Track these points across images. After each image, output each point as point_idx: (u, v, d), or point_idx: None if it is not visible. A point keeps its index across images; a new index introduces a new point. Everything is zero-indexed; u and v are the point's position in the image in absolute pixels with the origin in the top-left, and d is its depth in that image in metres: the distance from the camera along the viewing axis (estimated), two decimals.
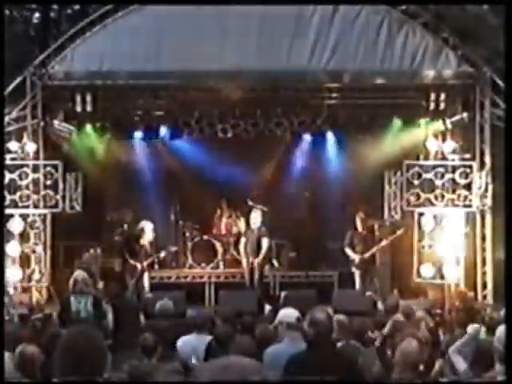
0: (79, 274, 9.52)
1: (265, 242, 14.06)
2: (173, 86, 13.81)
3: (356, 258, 13.95)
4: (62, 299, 10.60)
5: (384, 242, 14.03)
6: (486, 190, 13.13)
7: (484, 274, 13.40)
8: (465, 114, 13.67)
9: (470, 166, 13.27)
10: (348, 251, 14.05)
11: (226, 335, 6.82)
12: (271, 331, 7.14)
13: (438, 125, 14.19)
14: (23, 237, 13.28)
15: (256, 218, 14.19)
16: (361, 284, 13.99)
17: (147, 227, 13.91)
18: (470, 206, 13.24)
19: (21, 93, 13.37)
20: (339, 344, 7.10)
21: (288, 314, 6.93)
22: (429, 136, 14.10)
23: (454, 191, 13.28)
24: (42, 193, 13.28)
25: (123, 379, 5.64)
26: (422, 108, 14.09)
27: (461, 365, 6.41)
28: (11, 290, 12.84)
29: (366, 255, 13.91)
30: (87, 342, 3.37)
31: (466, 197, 13.18)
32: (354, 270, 14.10)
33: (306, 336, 5.87)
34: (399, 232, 13.89)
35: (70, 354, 3.33)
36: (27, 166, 13.23)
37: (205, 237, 16.05)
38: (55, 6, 21.62)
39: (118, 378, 5.56)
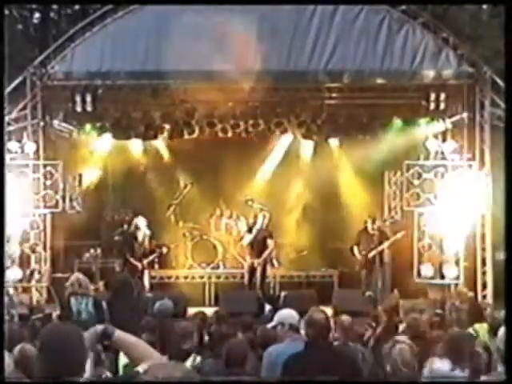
0: (75, 275, 9.52)
1: (269, 243, 14.09)
2: (173, 86, 13.81)
3: (361, 257, 14.00)
4: (61, 300, 10.60)
5: (387, 243, 14.04)
6: (486, 189, 13.12)
7: (484, 273, 13.40)
8: (465, 114, 13.67)
9: (470, 166, 13.26)
10: (355, 250, 14.10)
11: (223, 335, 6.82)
12: (272, 332, 7.12)
13: (438, 125, 14.18)
14: (23, 237, 13.28)
15: (262, 219, 14.22)
16: (363, 284, 14.02)
17: (141, 223, 13.94)
18: (470, 206, 13.23)
19: (21, 93, 13.38)
20: (337, 344, 7.10)
21: (289, 314, 6.91)
22: (429, 136, 14.10)
23: (453, 191, 13.27)
24: (42, 193, 13.28)
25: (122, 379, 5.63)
26: (422, 108, 14.08)
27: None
28: (11, 290, 12.84)
29: (371, 255, 13.95)
30: (63, 338, 3.35)
31: (466, 197, 13.17)
32: (358, 269, 14.14)
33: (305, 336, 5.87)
34: (399, 235, 13.89)
35: (46, 349, 3.32)
36: (27, 165, 13.23)
37: (205, 237, 16.05)
38: (55, 6, 21.62)
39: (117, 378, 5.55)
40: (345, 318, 7.58)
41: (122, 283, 10.39)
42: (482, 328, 8.28)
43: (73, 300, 9.12)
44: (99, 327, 3.67)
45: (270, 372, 6.11)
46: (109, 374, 5.57)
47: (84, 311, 9.11)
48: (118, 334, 3.64)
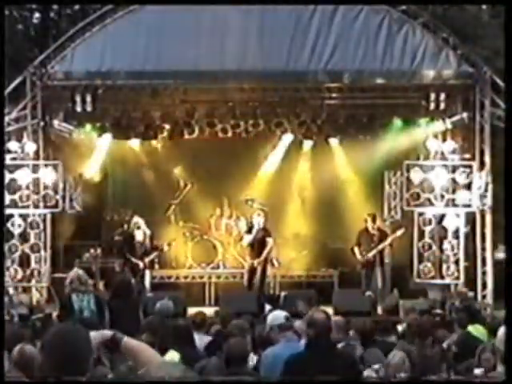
0: (75, 271, 9.51)
1: (269, 242, 14.08)
2: (173, 86, 13.81)
3: (361, 257, 14.01)
4: (62, 298, 10.60)
5: (386, 242, 14.05)
6: (486, 189, 13.13)
7: (484, 273, 13.40)
8: (465, 114, 13.66)
9: (470, 166, 13.26)
10: (356, 250, 14.12)
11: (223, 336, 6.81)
12: (267, 334, 7.14)
13: (438, 125, 14.18)
14: (23, 237, 13.28)
15: (258, 218, 14.21)
16: (363, 284, 14.03)
17: (140, 223, 13.97)
18: (469, 205, 13.23)
19: (21, 93, 13.37)
20: (340, 344, 7.10)
21: (276, 316, 6.96)
22: (429, 136, 14.10)
23: (453, 191, 13.27)
24: (42, 193, 13.28)
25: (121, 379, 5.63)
26: (422, 108, 14.08)
27: None
28: (11, 290, 12.85)
29: (370, 255, 13.96)
30: (68, 339, 3.35)
31: (465, 197, 13.18)
32: (358, 269, 14.15)
33: (304, 336, 5.87)
34: (399, 232, 13.90)
35: (51, 351, 3.32)
36: (27, 165, 13.23)
37: (205, 237, 16.05)
38: (55, 6, 21.61)
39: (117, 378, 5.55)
40: (337, 318, 7.63)
41: (122, 283, 10.38)
42: (476, 329, 8.28)
43: (74, 297, 9.12)
44: (107, 333, 3.66)
45: (268, 374, 6.11)
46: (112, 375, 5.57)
47: (86, 309, 9.11)
48: (126, 340, 3.63)
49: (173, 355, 6.62)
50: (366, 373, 6.15)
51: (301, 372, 5.47)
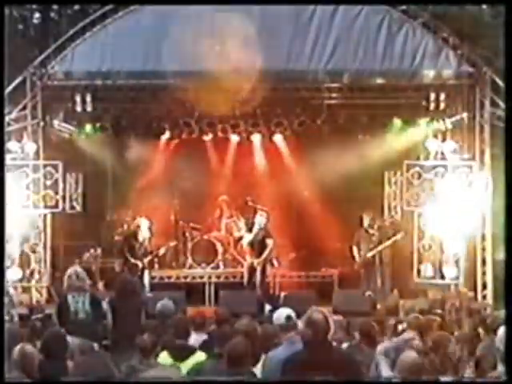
0: (73, 269, 9.48)
1: (269, 243, 14.08)
2: (173, 86, 13.80)
3: (360, 257, 14.02)
4: (58, 299, 10.59)
5: (387, 243, 14.05)
6: (486, 190, 13.12)
7: (484, 273, 13.40)
8: (465, 114, 13.66)
9: (470, 166, 13.26)
10: (354, 250, 14.12)
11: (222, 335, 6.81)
12: (272, 332, 7.10)
13: (438, 125, 14.18)
14: (23, 237, 13.28)
15: (260, 218, 14.21)
16: (363, 283, 14.04)
17: (143, 224, 13.97)
18: (469, 206, 13.22)
19: (21, 93, 13.38)
20: (344, 345, 7.10)
21: (278, 316, 6.94)
22: (429, 136, 14.11)
23: (453, 191, 13.27)
24: (42, 193, 13.29)
25: (121, 379, 5.63)
26: (422, 108, 14.09)
27: (385, 369, 6.34)
28: (11, 290, 12.85)
29: (370, 254, 13.97)
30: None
31: (465, 197, 13.17)
32: (358, 269, 14.16)
33: (303, 336, 5.86)
34: (400, 235, 13.90)
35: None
36: (27, 165, 13.24)
37: (205, 237, 16.05)
38: (55, 6, 21.61)
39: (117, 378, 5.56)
40: (339, 317, 7.62)
41: (125, 283, 10.36)
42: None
43: (70, 298, 9.11)
44: None
45: (269, 377, 6.10)
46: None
47: (81, 311, 9.10)
48: None
49: (200, 355, 6.61)
50: None
51: (299, 372, 5.47)
